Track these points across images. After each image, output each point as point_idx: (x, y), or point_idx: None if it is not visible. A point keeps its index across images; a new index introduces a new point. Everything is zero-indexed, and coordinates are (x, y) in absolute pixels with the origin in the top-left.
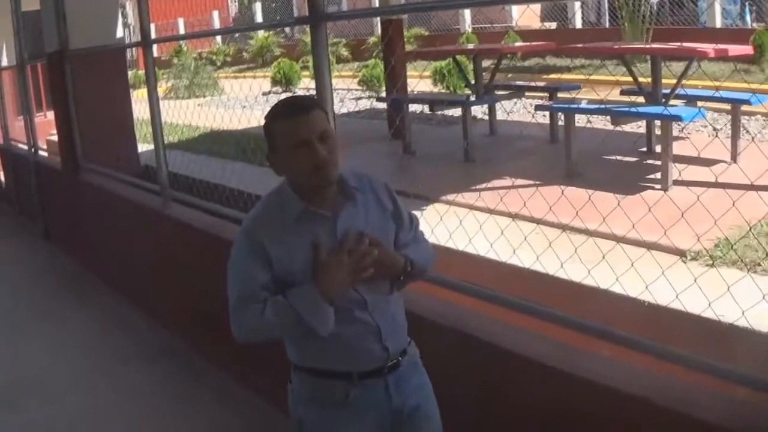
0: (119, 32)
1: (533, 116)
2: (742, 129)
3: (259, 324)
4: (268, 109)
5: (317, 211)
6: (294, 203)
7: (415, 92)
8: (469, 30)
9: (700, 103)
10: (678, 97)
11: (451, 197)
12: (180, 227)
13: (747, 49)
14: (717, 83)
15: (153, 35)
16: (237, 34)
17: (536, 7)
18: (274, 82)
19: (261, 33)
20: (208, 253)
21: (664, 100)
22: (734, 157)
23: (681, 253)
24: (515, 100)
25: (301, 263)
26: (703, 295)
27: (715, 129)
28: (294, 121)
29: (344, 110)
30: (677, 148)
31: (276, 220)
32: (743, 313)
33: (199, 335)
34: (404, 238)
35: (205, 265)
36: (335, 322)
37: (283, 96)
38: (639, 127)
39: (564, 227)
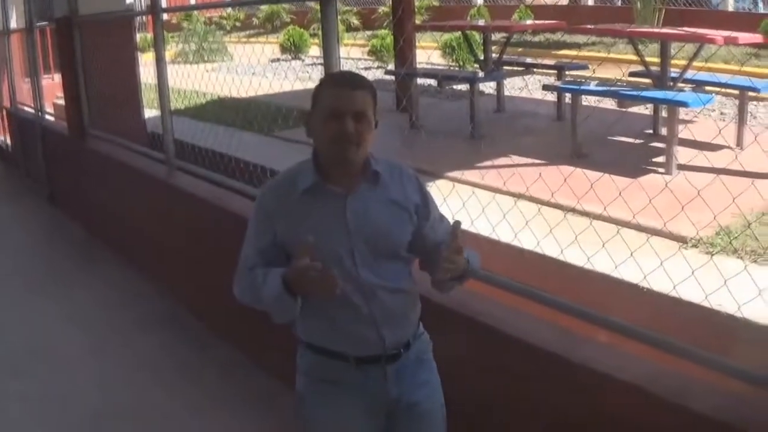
0: None
1: (542, 95)
2: (749, 115)
3: (240, 289)
4: (276, 76)
5: (328, 186)
6: (308, 175)
7: (425, 64)
8: (481, 2)
9: (708, 88)
10: (686, 81)
11: (455, 174)
12: (184, 197)
13: (757, 38)
14: (728, 66)
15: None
16: None
17: None
18: (283, 49)
19: None
20: (212, 223)
21: (671, 83)
22: (740, 144)
23: (681, 240)
24: (524, 77)
25: (303, 236)
26: (700, 286)
27: (722, 113)
28: (337, 92)
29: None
30: (683, 131)
31: (287, 191)
32: (739, 308)
33: (203, 305)
34: (430, 235)
35: (208, 235)
36: (325, 305)
37: (294, 63)
38: (646, 108)
39: (566, 209)
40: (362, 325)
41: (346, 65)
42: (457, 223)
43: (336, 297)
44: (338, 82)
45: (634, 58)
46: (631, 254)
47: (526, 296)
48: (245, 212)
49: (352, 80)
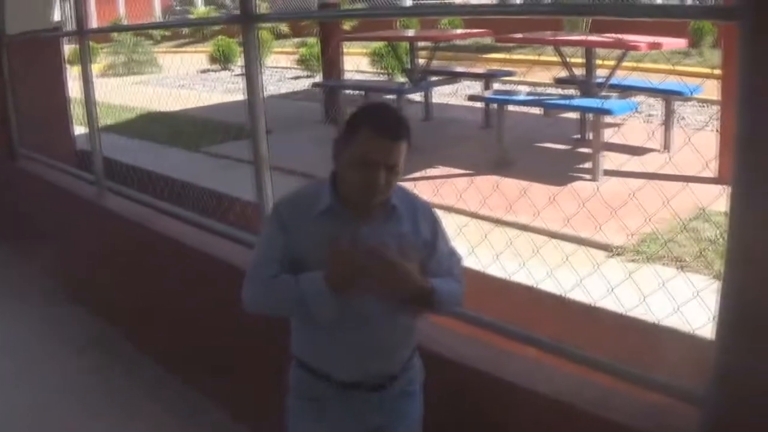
0: (57, 15)
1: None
2: (677, 116)
3: (263, 296)
4: (204, 88)
5: (346, 211)
6: (326, 197)
7: (354, 72)
8: (408, 2)
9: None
10: (612, 87)
11: None
12: (114, 218)
13: (681, 42)
14: (657, 66)
15: (93, 18)
16: (177, 6)
17: None
18: (213, 59)
19: (201, 7)
20: (142, 245)
21: (597, 90)
22: (667, 147)
23: (607, 249)
24: (452, 84)
25: (314, 255)
26: (616, 299)
27: (650, 115)
28: (380, 141)
29: (282, 91)
30: (610, 135)
31: (304, 207)
32: (658, 321)
33: (133, 326)
34: (434, 267)
35: (138, 256)
36: (329, 326)
37: (222, 74)
38: (573, 113)
39: (493, 221)
40: (351, 352)
41: (275, 75)
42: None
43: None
44: (380, 130)
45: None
46: (550, 272)
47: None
48: (175, 233)
49: (395, 130)
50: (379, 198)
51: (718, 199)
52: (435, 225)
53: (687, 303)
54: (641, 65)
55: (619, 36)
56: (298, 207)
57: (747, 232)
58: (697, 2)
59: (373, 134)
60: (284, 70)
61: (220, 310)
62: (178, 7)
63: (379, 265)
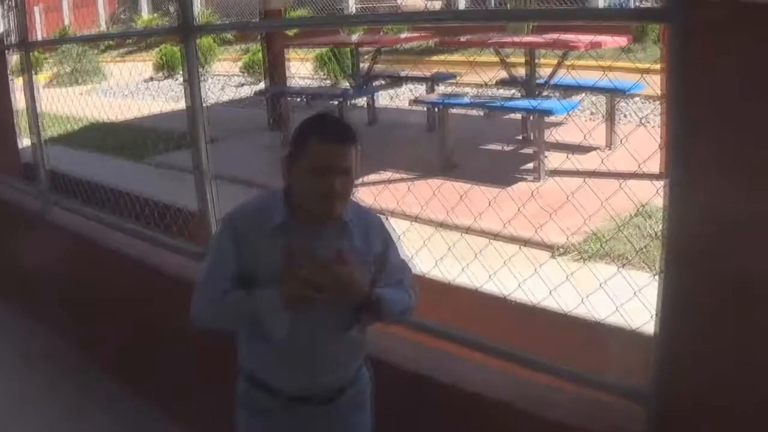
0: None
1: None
2: (620, 113)
3: (214, 310)
4: (149, 97)
5: (298, 226)
6: (279, 213)
7: (298, 77)
8: (353, 10)
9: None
10: (553, 86)
11: None
12: (60, 232)
13: (622, 40)
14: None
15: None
16: (123, 15)
17: None
18: (157, 68)
19: (145, 15)
20: (89, 259)
21: (538, 91)
22: (610, 144)
23: (551, 249)
24: (395, 88)
25: (267, 271)
26: (556, 299)
27: (592, 113)
28: (325, 148)
29: (226, 98)
30: (555, 133)
31: (258, 221)
32: (601, 320)
33: (84, 340)
34: (385, 280)
35: (86, 270)
36: (278, 340)
37: (166, 83)
38: (517, 113)
39: (437, 224)
40: (301, 366)
41: (219, 82)
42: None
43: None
44: (326, 136)
45: (510, 60)
46: (493, 274)
47: None
48: (120, 246)
49: (341, 134)
50: (339, 206)
51: (660, 195)
52: (386, 237)
53: (628, 301)
54: (586, 63)
55: (561, 36)
56: (251, 220)
57: (683, 228)
58: (640, 4)
59: (321, 142)
60: (229, 78)
61: (167, 322)
62: (123, 15)
63: (329, 276)
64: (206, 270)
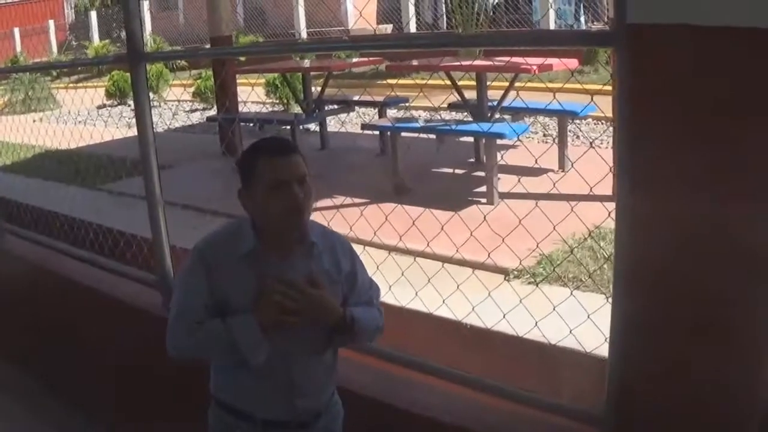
0: None
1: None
2: (572, 135)
3: (192, 342)
4: (104, 123)
5: (267, 253)
6: (248, 240)
7: (249, 103)
8: (304, 35)
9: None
10: (504, 109)
11: None
12: (13, 260)
13: (572, 62)
14: (552, 85)
15: None
16: (74, 43)
17: (372, 10)
18: (109, 94)
19: (96, 41)
20: (42, 286)
21: (489, 114)
22: (562, 167)
23: (504, 272)
24: (347, 113)
25: (240, 299)
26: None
27: (545, 135)
28: (275, 162)
29: (177, 124)
30: (507, 156)
31: (227, 250)
32: (555, 343)
33: (38, 368)
34: (355, 299)
35: (39, 297)
36: (254, 367)
37: (118, 109)
38: (469, 136)
39: (389, 249)
40: (279, 391)
41: (169, 109)
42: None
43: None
44: (273, 151)
45: (461, 83)
46: (443, 300)
47: None
48: (74, 274)
49: (286, 146)
50: (304, 218)
51: (612, 218)
52: (353, 258)
53: (581, 324)
54: (535, 85)
55: (510, 59)
56: (220, 249)
57: (631, 247)
58: (591, 25)
59: (270, 157)
60: (181, 103)
61: (121, 349)
62: (74, 43)
63: (303, 300)
64: (179, 302)
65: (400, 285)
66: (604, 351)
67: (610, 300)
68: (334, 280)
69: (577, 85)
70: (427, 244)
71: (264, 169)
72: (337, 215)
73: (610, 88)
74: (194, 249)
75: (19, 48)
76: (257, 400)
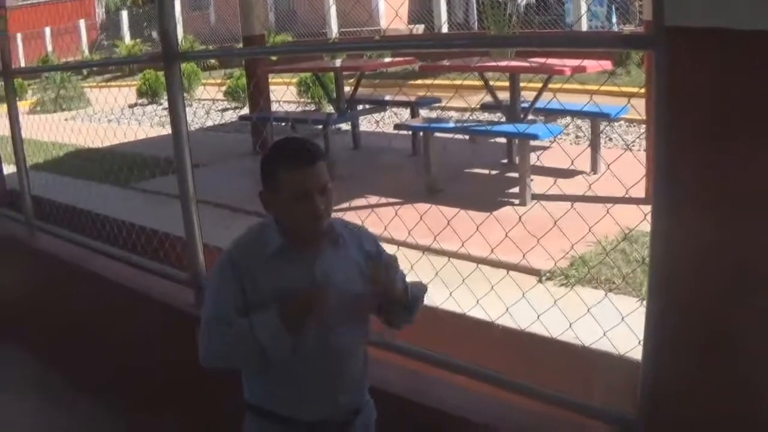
0: None
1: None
2: (605, 137)
3: (222, 348)
4: (133, 122)
5: (296, 250)
6: (275, 239)
7: (281, 102)
8: (336, 35)
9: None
10: (537, 111)
11: None
12: (46, 258)
13: (606, 64)
14: (585, 87)
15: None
16: (105, 42)
17: (402, 11)
18: (140, 93)
19: (128, 40)
20: (75, 284)
21: (522, 115)
22: (595, 169)
23: (537, 274)
24: (379, 113)
25: (272, 297)
26: (542, 324)
27: (578, 137)
28: (301, 172)
29: (210, 123)
30: (540, 157)
31: (256, 251)
32: (588, 345)
33: (72, 366)
34: None
35: (72, 296)
36: (291, 364)
37: (150, 108)
38: (502, 137)
39: (423, 249)
40: (322, 390)
41: (203, 107)
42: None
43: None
44: (296, 160)
45: (495, 83)
46: (477, 300)
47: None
48: (107, 272)
49: (308, 154)
50: (326, 222)
51: (646, 220)
52: (375, 241)
53: (615, 327)
54: (568, 86)
55: (544, 60)
56: (249, 251)
57: (668, 254)
58: (621, 28)
59: (291, 169)
60: (213, 102)
61: (155, 347)
62: (105, 42)
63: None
64: (210, 309)
65: (434, 285)
66: (637, 354)
67: (643, 303)
68: (363, 269)
69: (612, 87)
70: (462, 245)
71: (286, 178)
72: (371, 215)
73: (643, 90)
74: (223, 254)
75: (50, 47)
76: (300, 400)
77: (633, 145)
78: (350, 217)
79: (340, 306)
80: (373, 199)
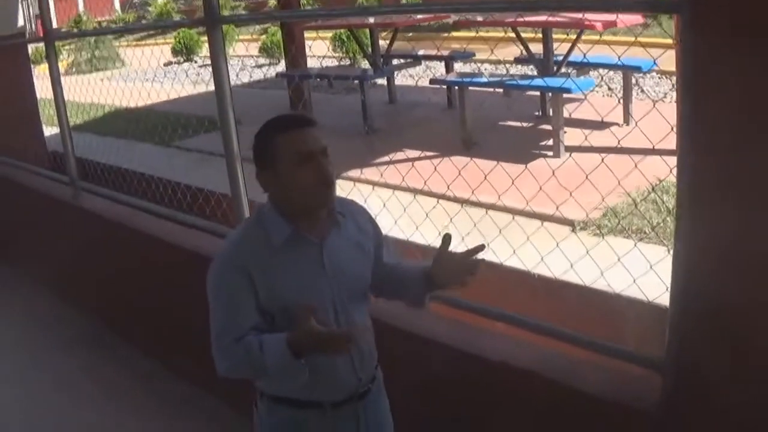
0: (20, 20)
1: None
2: (637, 89)
3: (238, 367)
4: (168, 80)
5: (306, 235)
6: (281, 227)
7: (316, 57)
8: None
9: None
10: (570, 64)
11: (354, 173)
12: (92, 218)
13: (637, 19)
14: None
15: (52, 10)
16: (136, 0)
17: None
18: (175, 52)
19: None
20: (121, 243)
21: (555, 68)
22: (627, 120)
23: (570, 224)
24: (414, 68)
25: (290, 290)
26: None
27: (610, 89)
28: (299, 133)
29: (245, 80)
30: (572, 110)
31: (260, 245)
32: (619, 293)
33: (121, 323)
34: (387, 256)
35: (119, 254)
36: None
37: (185, 65)
38: (536, 91)
39: (461, 201)
40: (344, 370)
41: (238, 64)
42: (448, 236)
43: (349, 351)
44: (292, 125)
45: (527, 35)
46: (513, 251)
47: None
48: (153, 230)
49: (303, 119)
50: (333, 192)
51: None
52: (371, 218)
53: (644, 275)
54: (602, 39)
55: (576, 15)
56: (253, 247)
57: (693, 203)
58: None
59: (290, 131)
60: (248, 59)
61: (202, 302)
62: (136, 0)
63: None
64: (217, 325)
65: (472, 236)
66: (665, 300)
67: (671, 252)
68: (364, 245)
69: (644, 39)
70: (498, 198)
71: (285, 144)
72: (412, 169)
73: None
74: (220, 256)
75: (81, 7)
76: (327, 385)
77: (664, 98)
78: (390, 171)
79: (346, 290)
80: (411, 153)
